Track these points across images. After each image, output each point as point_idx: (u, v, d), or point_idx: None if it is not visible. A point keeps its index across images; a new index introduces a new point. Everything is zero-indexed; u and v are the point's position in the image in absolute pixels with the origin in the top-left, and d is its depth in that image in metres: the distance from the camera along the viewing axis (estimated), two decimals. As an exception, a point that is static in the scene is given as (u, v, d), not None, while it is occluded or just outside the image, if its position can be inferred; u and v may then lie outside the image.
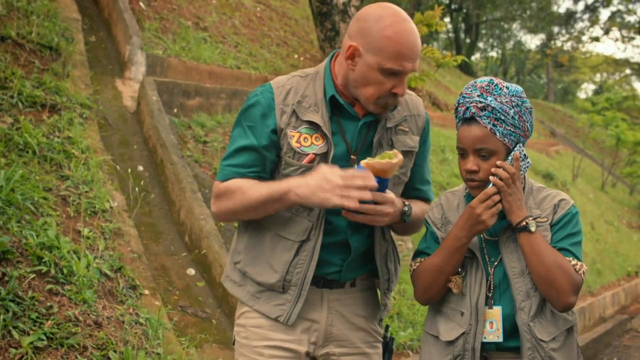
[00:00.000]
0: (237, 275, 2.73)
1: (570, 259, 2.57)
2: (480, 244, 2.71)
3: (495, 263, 2.66)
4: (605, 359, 9.03)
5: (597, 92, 51.85)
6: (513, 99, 2.60)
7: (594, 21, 44.94)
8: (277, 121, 2.55)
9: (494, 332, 2.62)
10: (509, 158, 2.60)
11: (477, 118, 2.58)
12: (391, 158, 2.42)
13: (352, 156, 2.64)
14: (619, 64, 49.49)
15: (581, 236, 2.65)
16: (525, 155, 2.63)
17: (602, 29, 46.30)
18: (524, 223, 2.54)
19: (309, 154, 2.55)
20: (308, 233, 2.58)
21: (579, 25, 46.01)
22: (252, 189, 2.49)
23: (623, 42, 48.21)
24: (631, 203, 26.35)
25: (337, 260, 2.67)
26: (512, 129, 2.58)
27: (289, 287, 2.61)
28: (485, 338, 2.63)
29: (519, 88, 2.65)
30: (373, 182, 2.36)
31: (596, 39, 47.60)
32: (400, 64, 2.46)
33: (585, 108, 30.33)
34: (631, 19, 43.18)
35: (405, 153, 2.73)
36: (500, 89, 2.61)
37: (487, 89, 2.61)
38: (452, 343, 2.69)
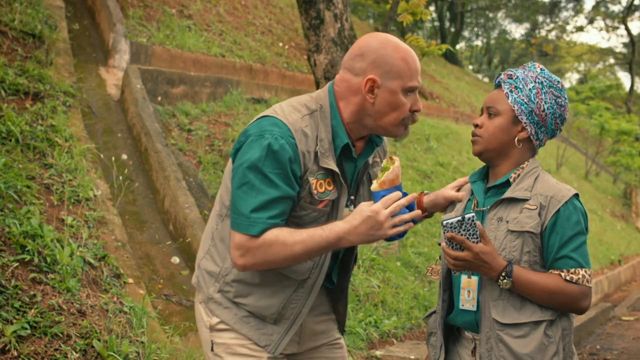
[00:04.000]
0: (224, 300, 2.67)
1: (572, 270, 2.55)
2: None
3: None
4: (589, 347, 9.08)
5: (581, 81, 51.94)
6: (539, 77, 2.69)
7: (578, 10, 45.10)
8: (302, 168, 2.50)
9: (470, 301, 2.67)
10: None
11: (502, 83, 2.73)
12: (392, 165, 2.50)
13: (351, 197, 2.71)
14: (603, 53, 49.66)
15: (584, 236, 2.62)
16: (471, 219, 2.56)
17: (586, 18, 46.52)
18: (502, 285, 2.55)
19: (324, 200, 2.57)
20: (309, 272, 2.62)
21: (564, 14, 46.15)
22: (293, 240, 2.42)
23: (607, 31, 48.39)
24: (615, 192, 26.52)
25: None
26: (525, 99, 2.65)
27: (280, 319, 2.63)
28: (462, 305, 2.68)
29: (557, 78, 2.73)
30: (409, 199, 2.44)
31: (580, 28, 47.85)
32: (417, 80, 2.57)
33: (569, 97, 30.42)
34: (615, 8, 43.33)
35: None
36: (535, 67, 2.73)
37: (524, 66, 2.77)
38: (427, 320, 2.90)
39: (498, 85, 2.76)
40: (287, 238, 2.42)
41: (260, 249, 2.44)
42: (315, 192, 2.53)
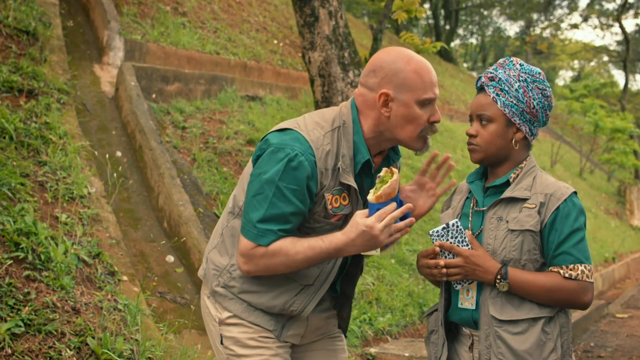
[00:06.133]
0: (228, 293, 2.72)
1: (571, 265, 2.57)
2: (469, 212, 2.79)
3: (477, 233, 2.71)
4: (583, 344, 9.09)
5: (575, 79, 52.01)
6: (522, 74, 2.70)
7: (573, 8, 45.07)
8: (318, 185, 2.55)
9: (469, 300, 2.70)
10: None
11: (485, 87, 2.73)
12: (390, 177, 2.49)
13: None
14: (597, 51, 49.68)
15: (583, 232, 2.63)
16: (458, 226, 2.63)
17: (581, 16, 46.47)
18: (500, 288, 2.59)
19: (338, 215, 2.62)
20: (314, 279, 2.66)
21: (558, 12, 46.14)
22: (295, 250, 2.49)
23: (602, 29, 48.40)
24: (609, 189, 26.59)
25: None
26: (514, 101, 2.67)
27: (281, 314, 2.70)
28: (461, 304, 2.72)
29: (537, 69, 2.74)
30: (403, 210, 2.44)
31: (575, 26, 47.82)
32: (433, 92, 2.59)
33: (563, 95, 30.50)
34: (610, 6, 43.34)
35: None
36: (514, 64, 2.74)
37: (502, 64, 2.76)
38: (428, 319, 2.90)
39: (481, 89, 2.77)
40: (289, 249, 2.49)
41: (263, 258, 2.52)
42: (330, 207, 2.59)
